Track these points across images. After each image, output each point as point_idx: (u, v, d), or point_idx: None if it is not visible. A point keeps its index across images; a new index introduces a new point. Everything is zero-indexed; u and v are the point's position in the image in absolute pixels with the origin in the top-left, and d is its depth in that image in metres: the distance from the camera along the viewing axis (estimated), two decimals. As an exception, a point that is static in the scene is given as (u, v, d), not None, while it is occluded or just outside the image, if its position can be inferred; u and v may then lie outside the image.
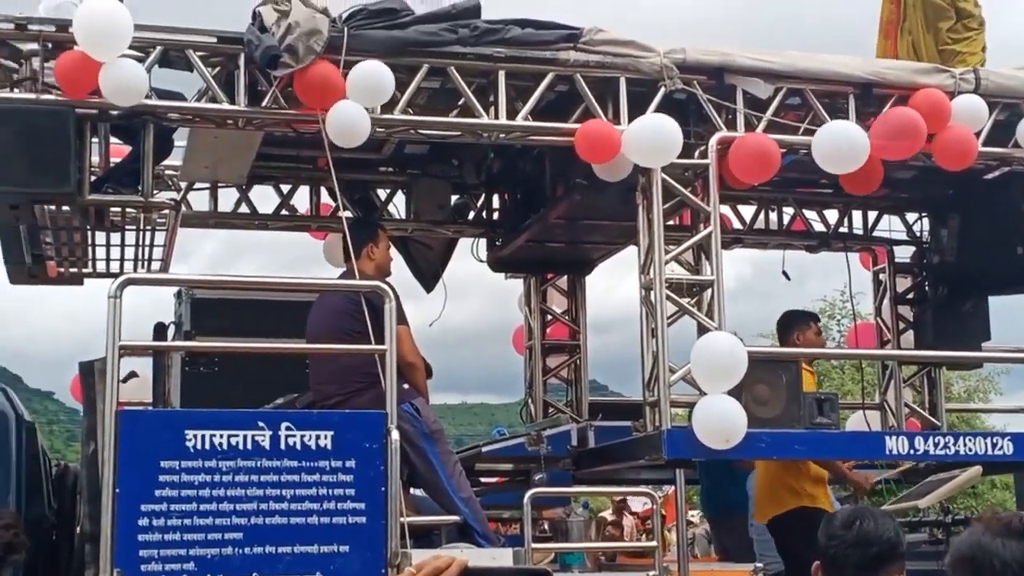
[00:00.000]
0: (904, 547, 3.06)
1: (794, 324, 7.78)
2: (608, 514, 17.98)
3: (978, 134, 7.02)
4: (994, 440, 6.86)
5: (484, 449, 7.80)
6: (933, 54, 7.70)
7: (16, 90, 5.94)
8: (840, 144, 6.70)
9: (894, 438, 6.85)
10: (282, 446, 5.45)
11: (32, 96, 5.83)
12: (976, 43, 7.87)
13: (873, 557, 2.99)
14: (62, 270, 7.43)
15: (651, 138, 6.49)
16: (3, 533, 5.06)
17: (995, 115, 7.13)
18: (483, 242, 8.98)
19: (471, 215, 8.96)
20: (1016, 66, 7.48)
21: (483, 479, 8.75)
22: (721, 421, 6.24)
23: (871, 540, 3.00)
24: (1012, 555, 2.15)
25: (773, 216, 9.26)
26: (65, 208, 6.32)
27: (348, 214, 7.90)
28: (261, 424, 5.47)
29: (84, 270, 7.47)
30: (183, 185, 8.20)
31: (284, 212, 8.61)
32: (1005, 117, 7.22)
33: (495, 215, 8.96)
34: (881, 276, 9.24)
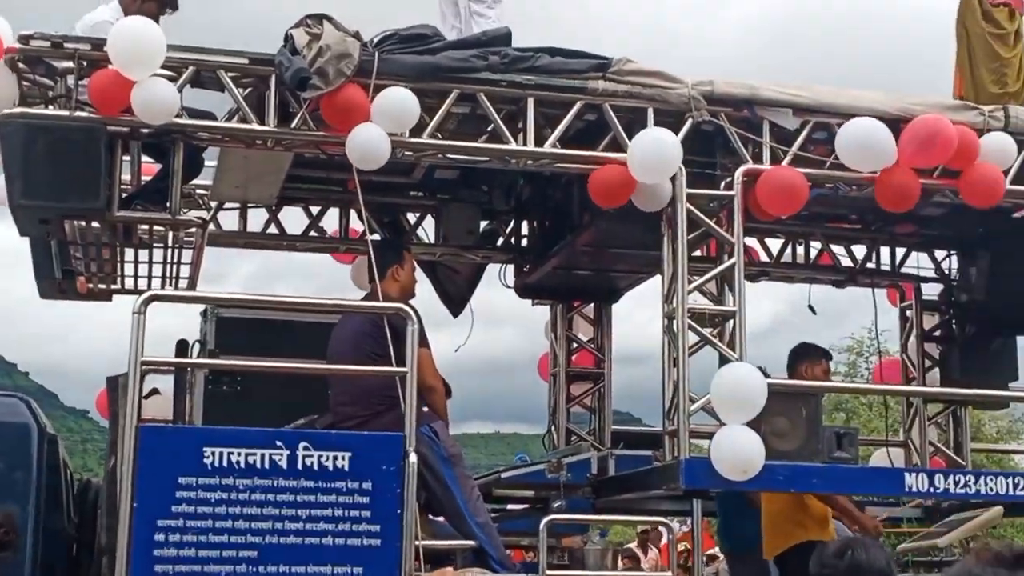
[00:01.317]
0: None
1: (805, 357, 7.75)
2: (634, 546, 17.91)
3: (1007, 172, 6.98)
4: (1016, 480, 6.79)
5: (503, 475, 7.81)
6: (979, 87, 7.67)
7: (50, 107, 6.04)
8: (864, 140, 6.68)
9: (914, 475, 6.81)
10: (299, 466, 5.49)
11: (65, 113, 5.92)
12: (1017, 82, 7.84)
13: None
14: (91, 286, 7.52)
15: (650, 153, 6.49)
16: None
17: (1025, 154, 7.10)
18: (511, 268, 9.02)
19: (500, 241, 9.01)
20: (1049, 104, 7.46)
21: (510, 506, 8.76)
22: (739, 452, 6.23)
23: (863, 570, 3.01)
24: None
25: (800, 250, 9.26)
26: (95, 224, 6.40)
27: (376, 236, 7.96)
28: (279, 443, 5.52)
29: (113, 286, 7.55)
30: (213, 204, 8.30)
31: (313, 233, 8.69)
32: (1037, 156, 7.19)
33: (523, 241, 9.00)
34: (908, 313, 9.21)
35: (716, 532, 8.31)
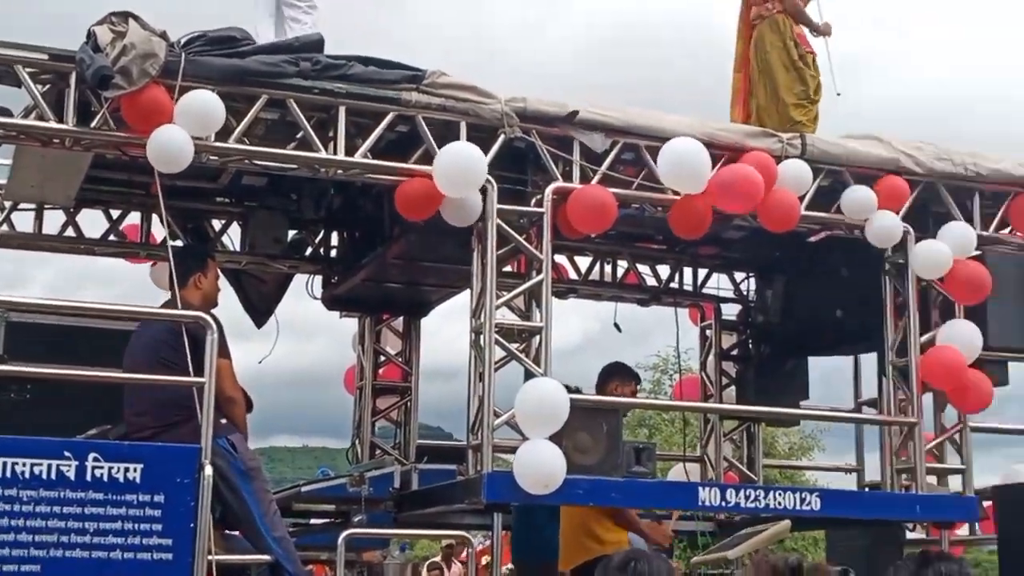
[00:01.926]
0: None
1: (616, 376, 7.87)
2: (438, 559, 17.93)
3: (802, 198, 7.26)
4: (803, 496, 7.05)
5: (304, 489, 7.68)
6: (776, 123, 7.96)
7: None
8: (684, 161, 6.86)
9: (707, 489, 6.99)
10: (88, 477, 5.29)
11: None
12: (811, 112, 8.16)
13: None
14: None
15: (454, 167, 6.50)
16: None
17: (819, 180, 7.39)
18: (319, 279, 8.91)
19: (308, 251, 8.89)
20: (842, 135, 7.79)
21: (312, 520, 8.62)
22: (541, 466, 6.28)
23: None
24: None
25: (608, 268, 9.43)
26: None
27: (179, 243, 7.74)
28: (67, 453, 5.30)
29: None
30: (8, 204, 7.94)
31: (112, 237, 8.39)
32: (829, 183, 7.49)
33: (333, 252, 8.90)
34: (708, 332, 9.48)
35: (512, 542, 8.34)
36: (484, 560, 14.08)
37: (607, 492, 6.62)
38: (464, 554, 13.62)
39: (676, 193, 7.00)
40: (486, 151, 6.71)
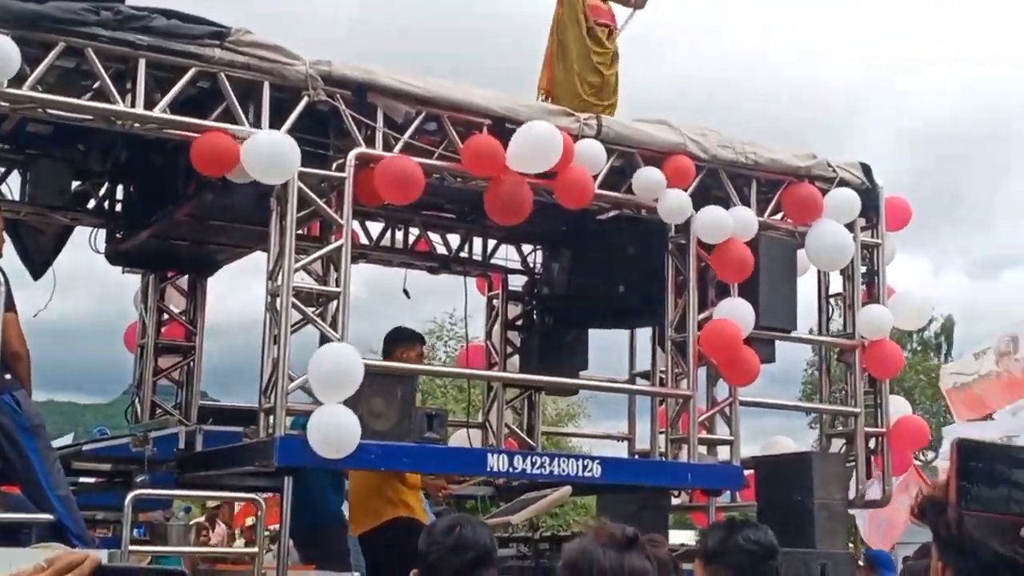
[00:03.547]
0: (497, 554, 3.27)
1: (401, 341, 7.97)
2: (202, 520, 17.63)
3: (596, 177, 7.51)
4: (585, 463, 7.35)
5: (85, 447, 7.48)
6: (567, 98, 8.14)
7: None
8: (540, 142, 7.02)
9: (495, 455, 7.20)
10: None
11: None
12: (602, 91, 8.37)
13: (470, 562, 3.17)
14: None
15: (267, 156, 6.49)
16: None
17: (612, 161, 7.66)
18: (103, 233, 8.63)
19: (92, 203, 8.60)
20: (635, 118, 8.08)
21: (83, 479, 8.37)
22: (336, 431, 6.33)
23: (469, 545, 3.19)
24: (610, 564, 2.36)
25: (399, 235, 9.48)
26: None
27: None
28: None
29: None
30: None
31: None
32: (621, 164, 7.78)
33: (118, 206, 8.64)
34: (494, 302, 9.67)
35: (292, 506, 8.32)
36: (249, 520, 14.10)
37: (399, 457, 6.73)
38: (227, 514, 13.53)
39: (479, 167, 7.13)
40: (289, 112, 6.68)
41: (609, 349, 10.51)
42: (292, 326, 6.63)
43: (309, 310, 6.71)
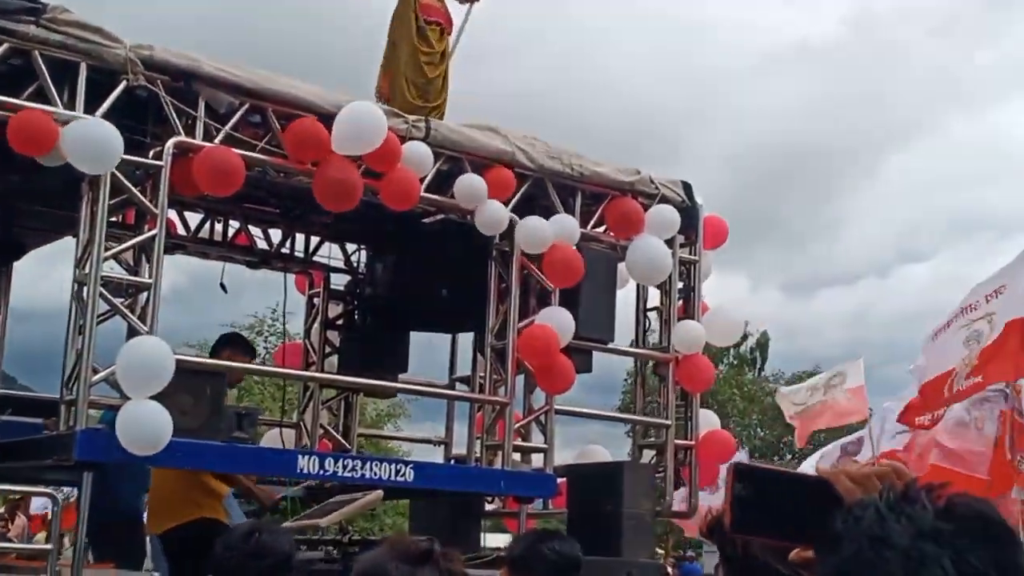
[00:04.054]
0: (295, 560, 3.21)
1: (231, 347, 7.80)
2: (2, 511, 16.95)
3: (423, 180, 7.47)
4: (398, 467, 7.30)
5: None
6: (400, 96, 8.08)
7: None
8: (362, 121, 6.93)
9: (306, 457, 7.09)
10: None
11: None
12: (428, 90, 8.33)
13: (267, 568, 3.11)
14: None
15: (90, 143, 6.27)
16: None
17: (439, 164, 7.64)
18: None
19: None
20: (464, 123, 8.07)
21: None
22: (147, 427, 6.14)
23: (267, 552, 3.12)
24: None
25: (219, 227, 9.27)
26: None
27: None
28: None
29: None
30: None
31: None
32: (448, 168, 7.76)
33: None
34: (315, 300, 9.54)
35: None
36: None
37: (207, 455, 6.57)
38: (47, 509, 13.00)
39: (301, 162, 7.02)
40: (106, 95, 6.45)
41: (433, 351, 10.49)
42: (99, 316, 6.40)
43: (118, 301, 6.49)
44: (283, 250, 9.44)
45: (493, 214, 7.74)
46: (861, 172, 64.25)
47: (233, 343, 7.86)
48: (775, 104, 62.96)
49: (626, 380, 31.01)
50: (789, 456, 38.67)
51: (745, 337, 43.25)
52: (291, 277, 9.57)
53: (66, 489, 10.23)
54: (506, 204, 7.87)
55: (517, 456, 8.05)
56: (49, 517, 10.78)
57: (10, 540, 12.89)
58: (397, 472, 7.22)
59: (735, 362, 43.00)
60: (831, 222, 63.73)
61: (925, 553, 1.25)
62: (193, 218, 9.23)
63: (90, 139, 6.27)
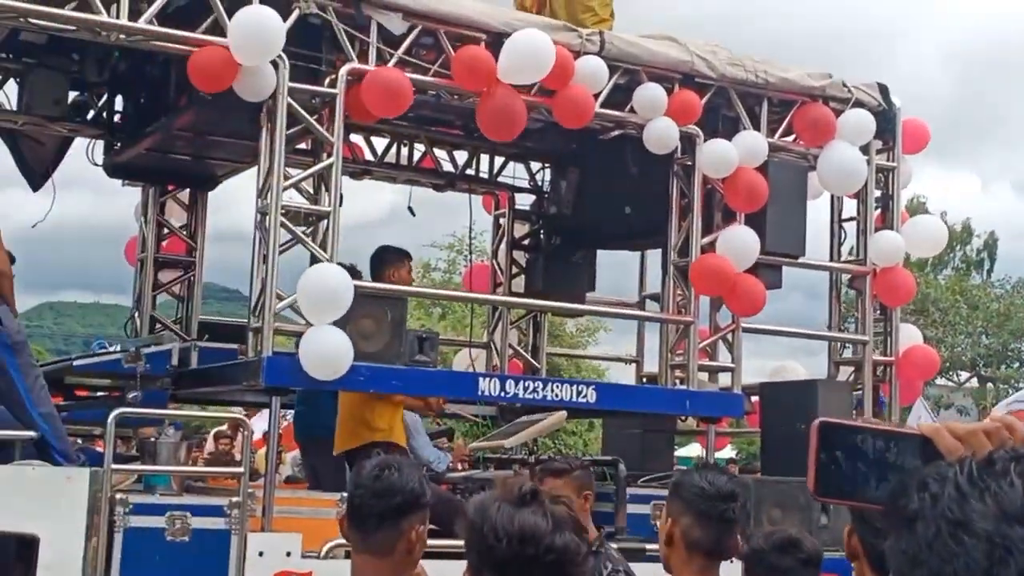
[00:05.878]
0: (427, 498, 3.14)
1: (388, 261, 7.81)
2: (225, 428, 17.79)
3: (597, 95, 7.28)
4: (579, 388, 7.22)
5: (76, 363, 7.42)
6: (565, 9, 7.88)
7: None
8: (529, 51, 6.82)
9: (487, 380, 7.09)
10: None
11: None
12: (608, 8, 8.09)
13: (396, 507, 3.05)
14: None
15: (250, 30, 6.27)
16: None
17: (615, 79, 7.41)
18: (100, 144, 8.52)
19: (91, 114, 8.47)
20: (641, 34, 7.80)
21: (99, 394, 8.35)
22: (328, 352, 6.24)
23: (395, 490, 3.07)
24: (502, 519, 2.25)
25: (404, 151, 9.32)
26: None
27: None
28: None
29: None
30: None
31: None
32: (625, 82, 7.52)
33: (116, 117, 8.51)
34: (501, 220, 9.51)
35: (297, 420, 8.32)
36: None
37: (388, 379, 6.63)
38: (243, 436, 13.55)
39: (470, 80, 6.92)
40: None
41: (625, 268, 10.37)
42: (281, 246, 6.50)
43: (299, 229, 6.58)
44: (468, 171, 9.42)
45: (659, 132, 7.44)
46: (1096, 63, 60.04)
47: (386, 259, 7.85)
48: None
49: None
50: (1017, 364, 36.91)
51: (972, 238, 41.38)
52: (476, 198, 9.56)
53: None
54: (684, 125, 7.56)
55: (704, 376, 7.87)
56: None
57: (233, 456, 13.48)
58: (579, 393, 7.15)
59: (962, 266, 40.99)
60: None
61: (1012, 540, 1.05)
62: (379, 143, 9.31)
63: (251, 25, 6.27)
